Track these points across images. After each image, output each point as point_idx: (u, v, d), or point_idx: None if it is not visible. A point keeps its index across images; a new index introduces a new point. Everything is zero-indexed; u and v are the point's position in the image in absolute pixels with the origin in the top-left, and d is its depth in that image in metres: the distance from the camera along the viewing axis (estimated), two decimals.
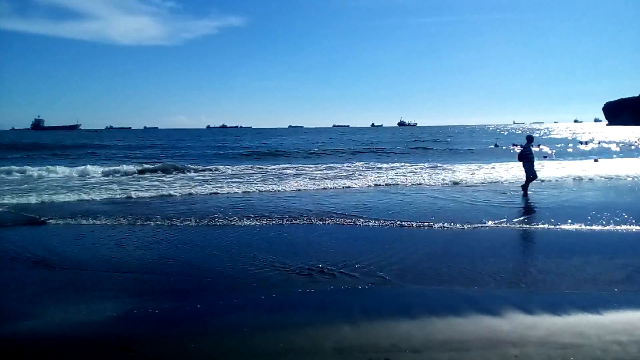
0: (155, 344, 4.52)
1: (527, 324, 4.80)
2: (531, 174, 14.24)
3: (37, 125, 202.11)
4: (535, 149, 35.72)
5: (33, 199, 13.41)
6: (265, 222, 10.13)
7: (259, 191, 15.41)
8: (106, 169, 21.54)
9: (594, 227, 9.12)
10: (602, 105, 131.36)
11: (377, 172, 20.64)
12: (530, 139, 14.58)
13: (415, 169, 22.26)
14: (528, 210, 11.69)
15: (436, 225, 9.49)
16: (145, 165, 23.11)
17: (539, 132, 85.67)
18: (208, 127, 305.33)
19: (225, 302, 5.71)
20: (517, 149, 31.39)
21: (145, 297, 5.83)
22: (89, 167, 21.53)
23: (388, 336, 4.58)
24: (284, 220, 10.27)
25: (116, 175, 20.29)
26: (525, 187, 14.20)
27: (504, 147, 38.79)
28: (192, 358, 4.25)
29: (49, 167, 21.34)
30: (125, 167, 21.94)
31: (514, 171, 18.94)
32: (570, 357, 4.09)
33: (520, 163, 14.57)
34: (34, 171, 20.21)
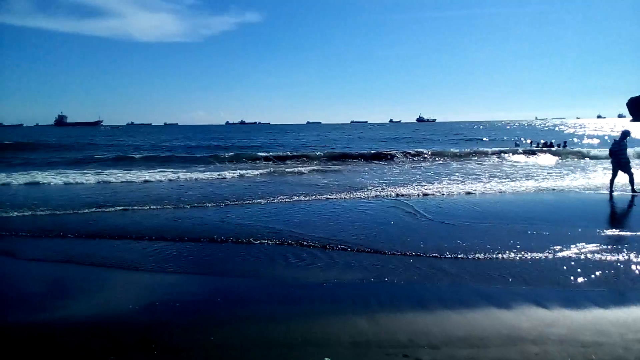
0: (174, 335, 4.58)
1: (547, 322, 4.74)
2: (625, 172, 13.20)
3: (61, 121, 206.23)
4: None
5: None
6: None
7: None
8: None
9: None
10: (626, 101, 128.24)
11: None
12: (625, 134, 13.39)
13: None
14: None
15: None
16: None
17: (566, 127, 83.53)
18: (227, 123, 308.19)
19: (242, 294, 5.79)
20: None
21: (165, 290, 5.95)
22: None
23: (406, 331, 4.57)
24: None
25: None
26: (611, 186, 13.25)
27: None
28: (211, 349, 4.30)
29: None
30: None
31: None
32: (591, 355, 4.03)
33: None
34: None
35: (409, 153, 28.34)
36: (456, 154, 28.46)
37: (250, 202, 12.20)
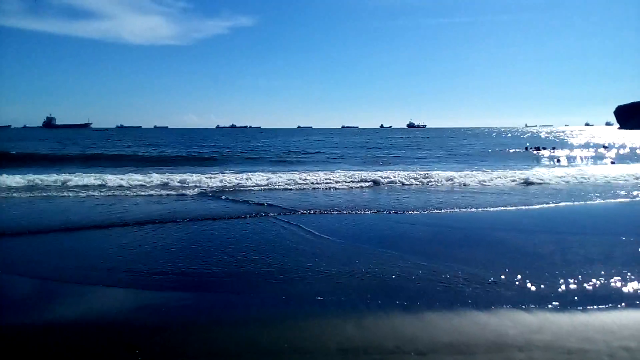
0: (160, 340, 4.54)
1: (533, 328, 4.76)
2: None
3: (49, 123, 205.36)
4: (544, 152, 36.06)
5: None
6: None
7: None
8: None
9: None
10: (614, 109, 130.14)
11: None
12: None
13: None
14: None
15: None
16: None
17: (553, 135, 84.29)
18: (217, 126, 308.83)
19: (230, 297, 5.74)
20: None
21: (150, 293, 5.87)
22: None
23: (393, 337, 4.57)
24: None
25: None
26: None
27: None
28: (197, 355, 4.26)
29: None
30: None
31: None
32: None
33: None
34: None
35: None
36: None
37: None
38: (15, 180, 16.13)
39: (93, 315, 5.20)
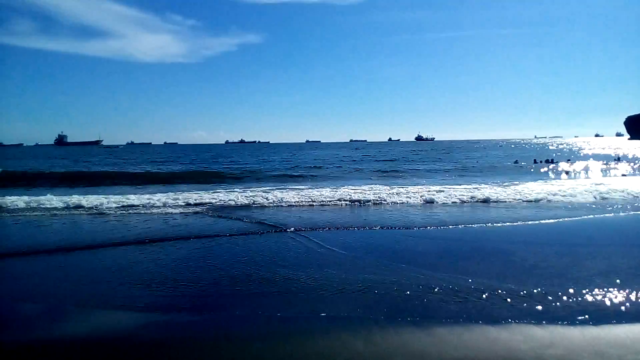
0: (168, 356, 4.52)
1: (545, 343, 4.68)
2: None
3: (61, 140, 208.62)
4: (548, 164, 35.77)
5: None
6: None
7: None
8: None
9: None
10: (624, 119, 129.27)
11: None
12: None
13: None
14: None
15: None
16: None
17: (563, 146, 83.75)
18: (227, 142, 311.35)
19: (235, 314, 5.71)
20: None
21: (157, 310, 5.87)
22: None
23: (402, 353, 4.51)
24: None
25: None
26: None
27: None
28: None
29: None
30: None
31: None
32: None
33: None
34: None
35: None
36: None
37: None
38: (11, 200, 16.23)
39: (100, 334, 5.22)
